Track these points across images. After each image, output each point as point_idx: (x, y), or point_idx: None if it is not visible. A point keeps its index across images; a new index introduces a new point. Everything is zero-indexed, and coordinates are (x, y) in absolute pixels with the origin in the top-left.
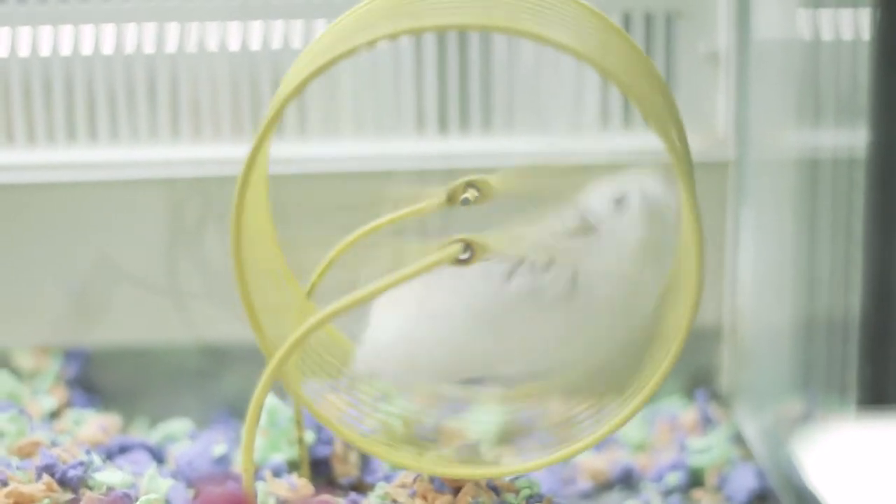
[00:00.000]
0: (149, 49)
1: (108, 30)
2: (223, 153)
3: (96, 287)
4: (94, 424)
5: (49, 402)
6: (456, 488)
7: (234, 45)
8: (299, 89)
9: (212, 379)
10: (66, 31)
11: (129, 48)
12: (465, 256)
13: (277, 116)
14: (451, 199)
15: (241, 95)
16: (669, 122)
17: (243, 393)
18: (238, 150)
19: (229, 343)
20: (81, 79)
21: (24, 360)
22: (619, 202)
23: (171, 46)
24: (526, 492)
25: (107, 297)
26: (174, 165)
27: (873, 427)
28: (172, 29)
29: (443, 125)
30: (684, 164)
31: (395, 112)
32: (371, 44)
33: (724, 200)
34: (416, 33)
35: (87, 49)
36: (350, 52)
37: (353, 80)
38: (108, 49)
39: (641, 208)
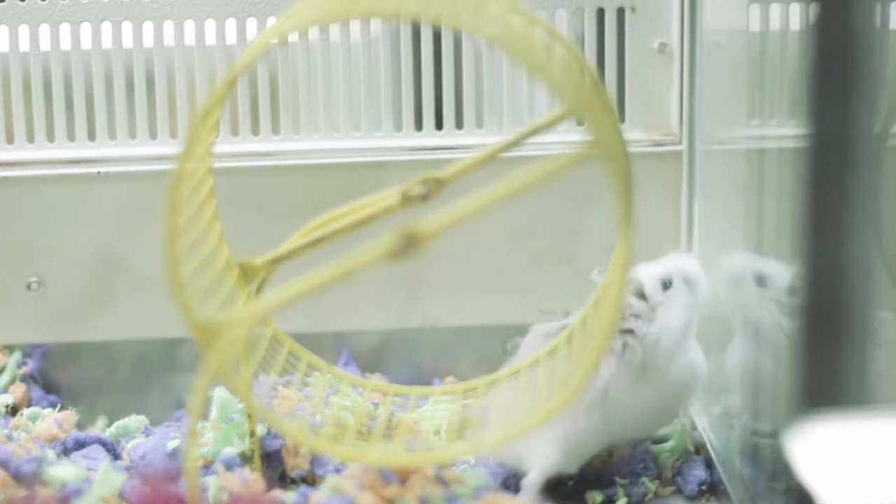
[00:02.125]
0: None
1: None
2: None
3: (56, 284)
4: (49, 420)
5: (6, 398)
6: (404, 479)
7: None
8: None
9: (169, 375)
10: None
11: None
12: (404, 250)
13: (211, 112)
14: (404, 198)
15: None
16: (599, 113)
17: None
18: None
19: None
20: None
21: None
22: (665, 284)
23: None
24: (473, 482)
25: (66, 293)
26: (128, 162)
27: (853, 425)
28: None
29: (418, 122)
30: (613, 153)
31: (370, 108)
32: (301, 28)
33: (679, 191)
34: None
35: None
36: (277, 40)
37: (327, 77)
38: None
39: (684, 288)
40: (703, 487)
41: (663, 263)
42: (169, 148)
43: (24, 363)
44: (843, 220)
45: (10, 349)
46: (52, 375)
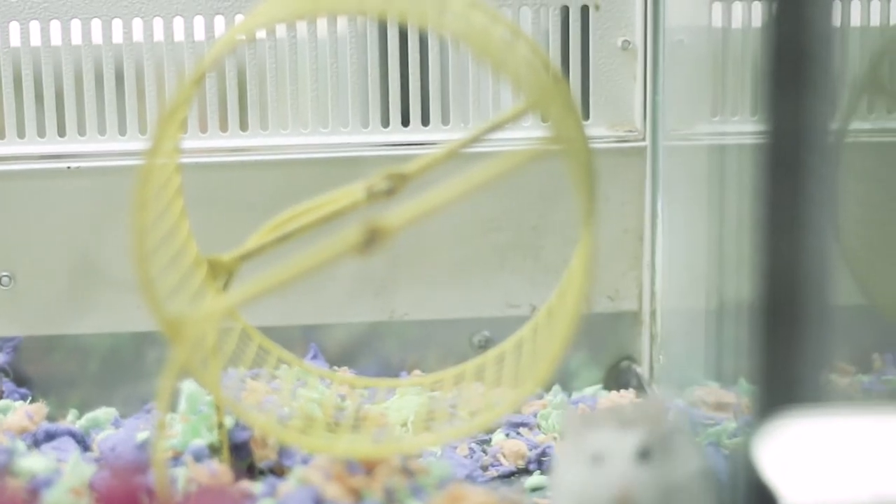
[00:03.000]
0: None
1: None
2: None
3: (27, 278)
4: (20, 412)
5: None
6: (370, 470)
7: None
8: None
9: (139, 369)
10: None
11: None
12: (368, 244)
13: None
14: (369, 193)
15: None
16: (560, 108)
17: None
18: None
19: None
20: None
21: None
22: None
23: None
24: (438, 473)
25: (37, 288)
26: (97, 157)
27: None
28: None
29: (385, 118)
30: (574, 148)
31: (337, 105)
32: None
33: (642, 187)
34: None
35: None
36: (245, 37)
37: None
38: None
39: None
40: None
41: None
42: (138, 144)
43: None
44: (799, 215)
45: None
46: (22, 369)
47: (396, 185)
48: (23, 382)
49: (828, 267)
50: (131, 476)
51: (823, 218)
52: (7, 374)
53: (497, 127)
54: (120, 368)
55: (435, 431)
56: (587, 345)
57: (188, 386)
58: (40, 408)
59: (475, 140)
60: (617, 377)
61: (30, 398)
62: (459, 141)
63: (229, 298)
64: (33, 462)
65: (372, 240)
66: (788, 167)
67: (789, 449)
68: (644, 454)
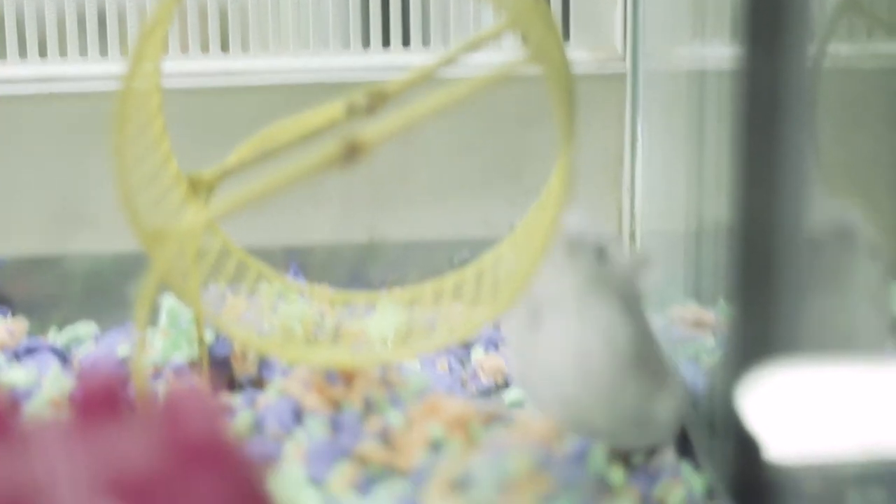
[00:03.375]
0: None
1: None
2: None
3: (7, 200)
4: (0, 328)
5: None
6: (349, 382)
7: None
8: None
9: (120, 287)
10: None
11: None
12: (347, 157)
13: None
14: (349, 109)
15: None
16: (540, 27)
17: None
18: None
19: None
20: None
21: None
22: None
23: None
24: (416, 385)
25: (18, 209)
26: (82, 81)
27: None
28: None
29: (365, 40)
30: (554, 67)
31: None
32: None
33: (622, 112)
34: None
35: None
36: None
37: None
38: None
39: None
40: None
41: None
42: (120, 66)
43: None
44: (776, 142)
45: None
46: (3, 289)
47: (376, 103)
48: (3, 303)
49: (806, 192)
50: (110, 381)
51: (802, 145)
52: None
53: (477, 45)
54: (102, 290)
55: (413, 344)
56: None
57: (169, 301)
58: (20, 323)
59: (455, 58)
60: None
61: (10, 315)
62: (440, 58)
63: (209, 211)
64: (13, 374)
65: (351, 154)
66: (766, 92)
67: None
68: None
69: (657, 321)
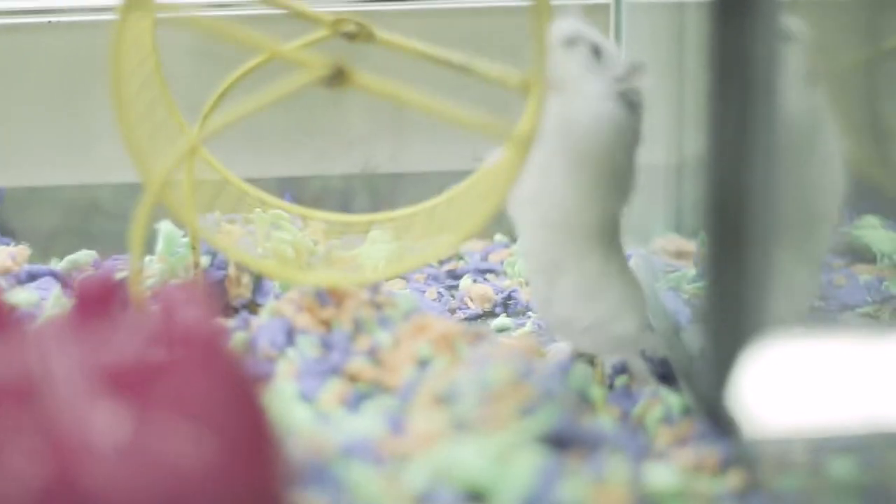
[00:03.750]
0: None
1: None
2: None
3: (8, 130)
4: (3, 253)
5: None
6: (339, 303)
7: None
8: None
9: (120, 218)
10: None
11: None
12: (333, 77)
13: None
14: (335, 27)
15: None
16: None
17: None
18: None
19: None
20: None
21: None
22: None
23: None
24: (405, 306)
25: (19, 139)
26: (78, 12)
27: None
28: None
29: None
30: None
31: None
32: None
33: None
34: None
35: None
36: None
37: None
38: None
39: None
40: None
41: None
42: None
43: None
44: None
45: None
46: (5, 220)
47: (360, 35)
48: (5, 233)
49: (777, 128)
50: (106, 283)
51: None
52: None
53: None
54: (102, 220)
55: (403, 260)
56: None
57: (165, 227)
58: (23, 250)
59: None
60: None
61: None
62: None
63: (203, 131)
64: (17, 295)
65: (337, 78)
66: (738, 19)
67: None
68: None
69: (640, 252)
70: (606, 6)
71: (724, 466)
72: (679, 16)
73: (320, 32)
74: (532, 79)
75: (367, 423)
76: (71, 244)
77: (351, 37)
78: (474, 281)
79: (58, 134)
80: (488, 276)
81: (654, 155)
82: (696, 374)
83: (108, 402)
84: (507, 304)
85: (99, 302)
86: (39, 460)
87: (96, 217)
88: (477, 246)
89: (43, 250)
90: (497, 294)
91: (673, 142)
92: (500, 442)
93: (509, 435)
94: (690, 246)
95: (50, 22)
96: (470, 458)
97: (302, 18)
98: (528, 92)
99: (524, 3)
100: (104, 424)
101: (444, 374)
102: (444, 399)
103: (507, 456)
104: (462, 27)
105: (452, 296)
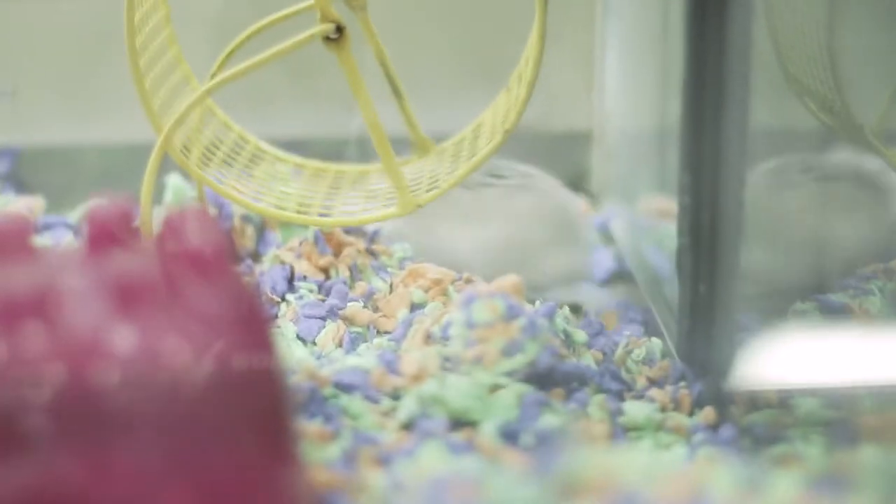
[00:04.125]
0: None
1: None
2: None
3: (24, 91)
4: (20, 204)
5: None
6: (337, 251)
7: None
8: None
9: (130, 175)
10: None
11: None
12: (335, 36)
13: None
14: None
15: None
16: None
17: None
18: None
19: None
20: None
21: None
22: None
23: None
24: (399, 254)
25: (35, 101)
26: None
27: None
28: None
29: None
30: None
31: None
32: None
33: (592, 18)
34: None
35: None
36: None
37: None
38: None
39: None
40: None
41: None
42: None
43: None
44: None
45: None
46: (22, 177)
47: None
48: (22, 190)
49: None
50: (118, 209)
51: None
52: (9, 180)
53: None
54: (115, 177)
55: (405, 201)
56: (546, 160)
57: (173, 179)
58: (38, 201)
59: None
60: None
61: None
62: None
63: (209, 84)
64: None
65: (338, 35)
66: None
67: None
68: None
69: (624, 211)
70: None
71: (698, 405)
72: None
73: None
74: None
75: (362, 360)
76: (83, 197)
77: (349, 3)
78: None
79: (72, 95)
80: None
81: (638, 123)
82: (678, 321)
83: (121, 312)
84: None
85: (111, 226)
86: (58, 363)
87: (109, 175)
88: None
89: (56, 205)
90: None
91: (656, 107)
92: (485, 378)
93: (495, 372)
94: (672, 205)
95: None
96: (457, 390)
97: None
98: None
99: None
100: (116, 332)
101: (435, 316)
102: (435, 339)
103: (492, 390)
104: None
105: None
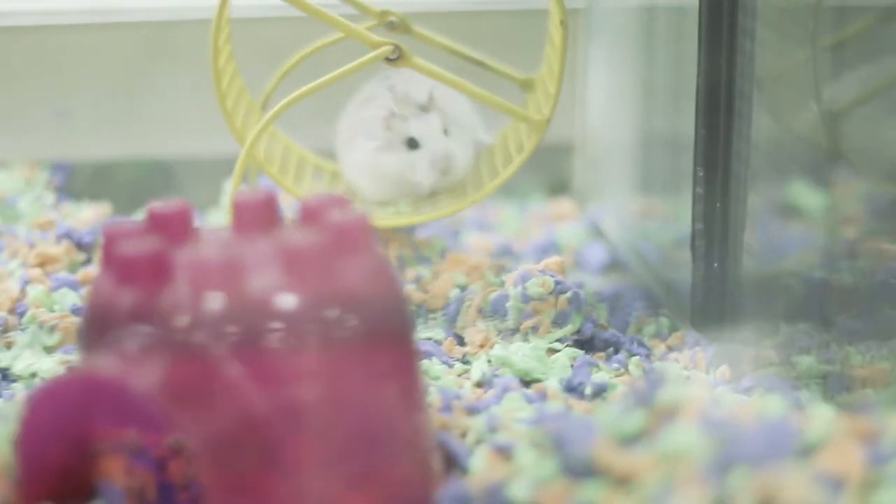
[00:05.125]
0: None
1: None
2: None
3: (77, 112)
4: (89, 210)
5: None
6: (385, 244)
7: None
8: None
9: (167, 189)
10: None
11: None
12: (394, 57)
13: None
14: (381, 17)
15: None
16: None
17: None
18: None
19: (183, 159)
20: None
21: (20, 172)
22: (411, 142)
23: None
24: (438, 246)
25: (86, 120)
26: (138, 12)
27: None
28: None
29: None
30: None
31: None
32: None
33: (576, 40)
34: None
35: None
36: None
37: None
38: None
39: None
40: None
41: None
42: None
43: (52, 177)
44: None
45: (41, 165)
46: (77, 190)
47: (400, 27)
48: (75, 200)
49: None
50: (264, 196)
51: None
52: (64, 192)
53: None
54: (153, 187)
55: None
56: (530, 169)
57: (229, 185)
58: (106, 206)
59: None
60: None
61: None
62: (468, 52)
63: (277, 108)
64: None
65: (398, 56)
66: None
67: None
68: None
69: (612, 211)
70: (577, 11)
71: (713, 365)
72: (649, 17)
73: (369, 22)
74: (546, 73)
75: (432, 332)
76: (129, 208)
77: (393, 27)
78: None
79: (122, 115)
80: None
81: (619, 133)
82: (692, 295)
83: (287, 275)
84: None
85: (256, 211)
86: (235, 313)
87: (147, 186)
88: None
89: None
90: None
91: (638, 122)
92: (542, 343)
93: (548, 339)
94: (655, 204)
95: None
96: (521, 354)
97: (353, 6)
98: (528, 87)
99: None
100: (283, 289)
101: (481, 294)
102: (485, 313)
103: (548, 353)
104: (480, 28)
105: None
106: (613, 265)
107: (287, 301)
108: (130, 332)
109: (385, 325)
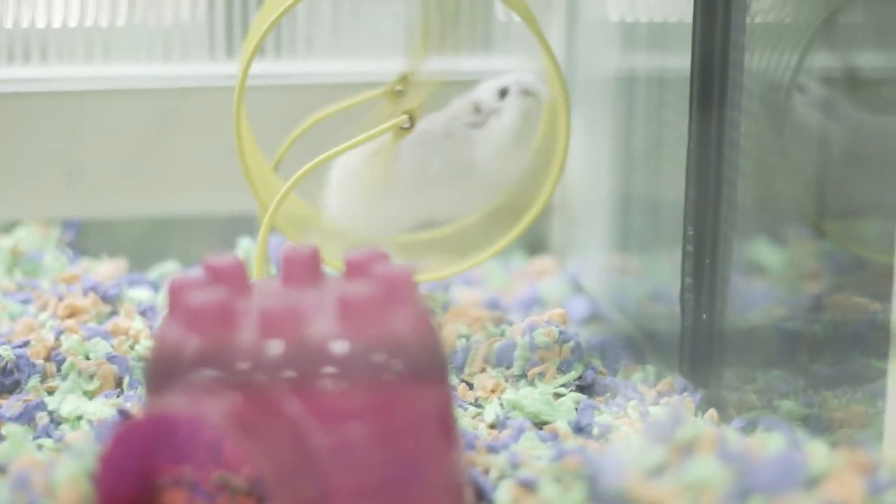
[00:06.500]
0: None
1: None
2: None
3: (87, 173)
4: (107, 265)
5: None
6: None
7: None
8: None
9: (177, 245)
10: None
11: None
12: (407, 125)
13: (262, 40)
14: (404, 81)
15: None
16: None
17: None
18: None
19: (193, 217)
20: None
21: (32, 230)
22: (502, 91)
23: None
24: (441, 299)
25: (95, 180)
26: (154, 79)
27: None
28: None
29: None
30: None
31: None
32: None
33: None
34: None
35: None
36: None
37: None
38: None
39: (518, 93)
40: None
41: (504, 77)
42: (176, 68)
43: (63, 234)
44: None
45: (52, 223)
46: (85, 246)
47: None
48: (82, 255)
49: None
50: (310, 252)
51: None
52: (74, 248)
53: None
54: (158, 245)
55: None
56: None
57: (245, 242)
58: (122, 263)
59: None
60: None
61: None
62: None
63: (297, 174)
64: (139, 293)
65: (411, 121)
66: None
67: None
68: None
69: (591, 267)
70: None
71: (700, 409)
72: (628, 87)
73: (378, 90)
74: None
75: None
76: (144, 264)
77: (400, 94)
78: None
79: (131, 176)
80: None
81: (597, 193)
82: (680, 344)
83: (341, 321)
84: None
85: (304, 265)
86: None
87: (154, 243)
88: None
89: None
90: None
91: (616, 183)
92: (548, 388)
93: (554, 384)
94: (631, 261)
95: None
96: (531, 398)
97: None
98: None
99: None
100: (337, 334)
101: (484, 343)
102: (489, 361)
103: (555, 397)
104: None
105: None
106: (595, 318)
107: (341, 347)
108: (197, 375)
109: (425, 368)
